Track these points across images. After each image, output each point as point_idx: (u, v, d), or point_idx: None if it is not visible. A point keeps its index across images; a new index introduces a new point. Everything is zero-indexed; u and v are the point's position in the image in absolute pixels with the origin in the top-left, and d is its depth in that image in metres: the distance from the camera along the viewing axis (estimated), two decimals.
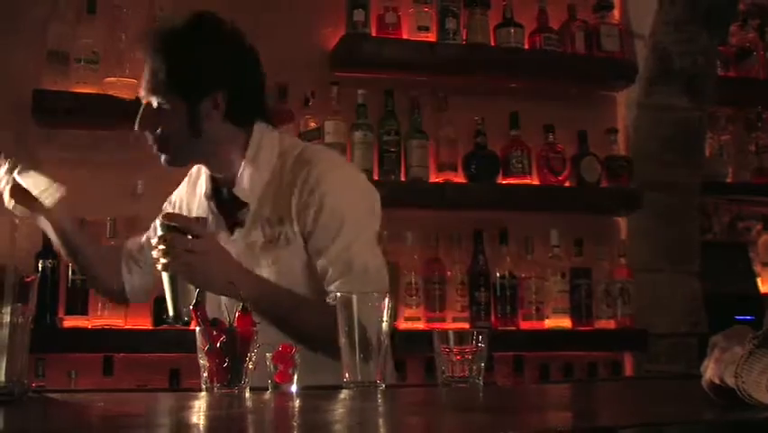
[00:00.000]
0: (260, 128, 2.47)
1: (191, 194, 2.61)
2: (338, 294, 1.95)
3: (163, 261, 2.19)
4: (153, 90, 2.37)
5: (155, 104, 2.38)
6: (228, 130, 2.41)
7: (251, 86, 2.47)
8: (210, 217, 2.46)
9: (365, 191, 2.48)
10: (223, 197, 2.48)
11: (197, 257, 2.17)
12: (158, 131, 2.39)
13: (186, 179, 2.67)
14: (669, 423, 1.25)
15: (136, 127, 2.40)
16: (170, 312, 2.20)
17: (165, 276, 2.21)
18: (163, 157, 2.43)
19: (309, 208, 2.33)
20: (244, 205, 2.41)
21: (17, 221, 1.57)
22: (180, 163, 2.51)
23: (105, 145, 3.46)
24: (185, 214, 2.54)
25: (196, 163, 2.55)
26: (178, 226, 2.21)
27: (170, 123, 2.37)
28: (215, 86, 2.37)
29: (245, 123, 2.44)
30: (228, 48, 2.44)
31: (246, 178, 2.41)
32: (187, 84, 2.36)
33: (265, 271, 2.34)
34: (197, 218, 2.37)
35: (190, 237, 2.20)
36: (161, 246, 2.19)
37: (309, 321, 2.22)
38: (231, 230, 2.43)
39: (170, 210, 2.62)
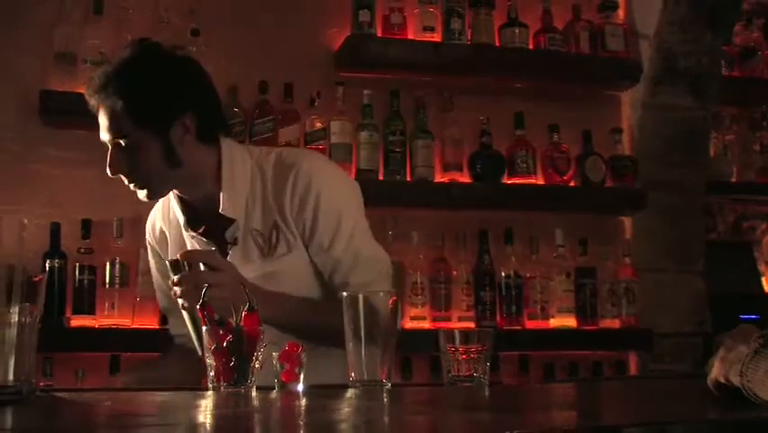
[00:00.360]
0: (226, 143, 2.44)
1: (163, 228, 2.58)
2: (344, 294, 1.96)
3: (185, 301, 2.17)
4: (118, 131, 2.30)
5: (123, 144, 2.31)
6: (201, 151, 2.38)
7: (212, 100, 2.44)
8: (196, 246, 2.43)
9: (351, 184, 2.53)
10: (201, 222, 2.44)
11: (220, 290, 2.09)
12: (134, 170, 2.33)
13: (149, 225, 2.65)
14: (673, 422, 1.25)
15: (110, 173, 2.34)
16: (199, 350, 2.17)
17: (187, 315, 2.20)
18: (143, 193, 2.38)
19: (306, 209, 2.33)
20: (230, 223, 2.38)
21: (25, 221, 1.57)
22: (162, 195, 2.47)
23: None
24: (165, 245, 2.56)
25: (176, 190, 2.44)
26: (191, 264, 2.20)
27: (145, 159, 2.31)
28: (181, 108, 2.32)
29: (214, 139, 2.41)
30: (181, 68, 2.39)
31: (228, 194, 2.37)
32: (152, 114, 2.29)
33: (271, 282, 2.31)
34: (213, 250, 2.34)
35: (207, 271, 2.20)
36: (182, 287, 2.17)
37: (331, 322, 2.09)
38: (224, 252, 2.39)
39: (153, 242, 2.62)
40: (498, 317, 3.70)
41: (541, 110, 3.96)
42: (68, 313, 3.27)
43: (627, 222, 4.06)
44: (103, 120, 2.34)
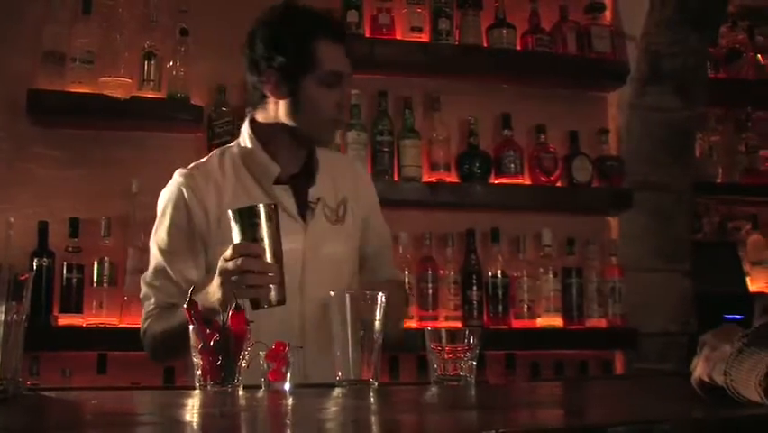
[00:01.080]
0: None
1: (225, 182, 2.53)
2: (331, 293, 1.96)
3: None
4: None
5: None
6: None
7: None
8: (282, 198, 2.48)
9: None
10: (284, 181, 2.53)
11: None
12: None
13: (185, 179, 2.54)
14: (659, 421, 1.25)
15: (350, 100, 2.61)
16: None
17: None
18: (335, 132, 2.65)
19: (370, 197, 2.68)
20: (309, 185, 2.53)
21: (12, 219, 1.56)
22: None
23: (100, 144, 3.46)
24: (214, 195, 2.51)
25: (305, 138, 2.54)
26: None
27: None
28: None
29: None
30: None
31: (321, 158, 2.59)
32: None
33: (338, 248, 2.53)
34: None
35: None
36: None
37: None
38: (302, 210, 2.51)
39: (190, 192, 2.51)
40: (484, 317, 3.70)
41: (528, 111, 3.96)
42: (56, 312, 3.26)
43: (614, 222, 4.07)
44: (344, 55, 2.53)
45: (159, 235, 2.50)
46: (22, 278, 1.54)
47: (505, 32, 3.89)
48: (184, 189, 2.50)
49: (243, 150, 2.56)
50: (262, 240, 2.11)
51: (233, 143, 2.64)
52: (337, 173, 2.62)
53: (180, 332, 2.00)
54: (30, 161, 3.39)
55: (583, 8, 4.07)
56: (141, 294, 2.51)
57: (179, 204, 2.49)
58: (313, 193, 2.52)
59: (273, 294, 2.08)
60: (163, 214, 2.51)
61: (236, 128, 3.46)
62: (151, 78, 3.42)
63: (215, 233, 2.43)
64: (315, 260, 2.46)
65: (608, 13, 4.12)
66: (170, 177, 3.47)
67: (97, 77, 3.36)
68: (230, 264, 2.10)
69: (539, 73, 3.95)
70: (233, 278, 2.08)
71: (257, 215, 2.13)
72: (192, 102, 3.45)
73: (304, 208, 2.50)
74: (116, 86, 3.36)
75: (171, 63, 3.46)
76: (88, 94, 3.33)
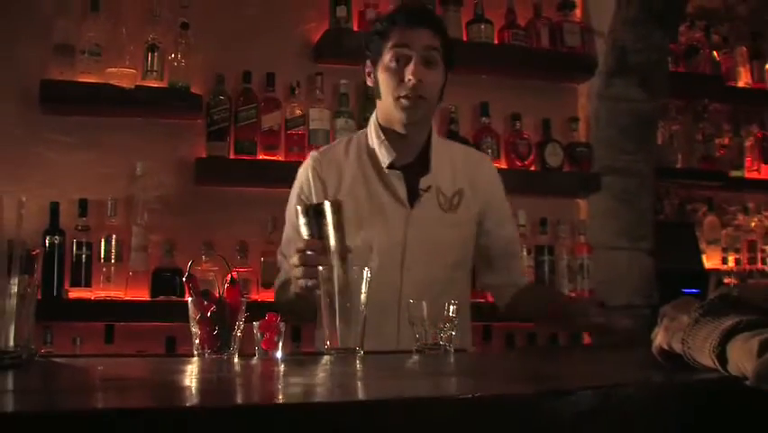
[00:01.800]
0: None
1: (345, 165, 2.56)
2: (320, 268, 1.95)
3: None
4: (433, 50, 2.46)
5: (431, 61, 2.45)
6: None
7: None
8: (394, 183, 2.50)
9: None
10: (398, 168, 2.53)
11: None
12: (427, 84, 2.44)
13: (312, 162, 2.57)
14: (622, 385, 1.25)
15: (414, 77, 2.41)
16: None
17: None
18: (411, 109, 2.45)
19: (490, 193, 2.63)
20: (422, 172, 2.52)
21: (24, 199, 1.55)
22: (418, 119, 2.49)
23: (107, 130, 3.44)
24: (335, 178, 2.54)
25: (410, 123, 2.49)
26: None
27: (438, 80, 2.48)
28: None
29: None
30: None
31: (436, 148, 2.57)
32: (451, 53, 2.53)
33: (445, 235, 2.50)
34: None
35: None
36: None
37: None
38: (412, 196, 2.51)
39: (316, 176, 2.55)
40: None
41: (504, 100, 3.96)
42: (67, 286, 3.25)
43: (583, 204, 4.07)
44: (416, 34, 2.44)
45: (288, 209, 2.57)
46: (34, 253, 1.53)
47: (483, 27, 3.87)
48: (310, 170, 2.56)
49: (367, 137, 2.58)
50: (326, 235, 2.14)
51: (361, 132, 2.66)
52: (460, 165, 2.60)
53: (294, 304, 2.26)
54: (42, 146, 3.37)
55: (556, 6, 4.06)
56: (278, 262, 2.58)
57: (305, 182, 2.56)
58: (424, 181, 2.52)
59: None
60: (294, 191, 2.59)
61: (232, 116, 3.47)
62: (154, 68, 3.40)
63: None
64: (416, 243, 2.47)
65: (578, 11, 4.11)
66: (172, 160, 3.48)
67: (104, 68, 3.34)
68: (294, 259, 2.17)
69: (515, 65, 3.94)
70: (295, 272, 2.16)
71: (321, 212, 2.16)
72: (192, 91, 3.43)
73: (414, 195, 2.51)
74: (122, 76, 3.34)
75: (173, 55, 3.44)
76: (96, 83, 3.31)
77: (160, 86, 3.41)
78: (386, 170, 2.52)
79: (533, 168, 3.92)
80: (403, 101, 2.43)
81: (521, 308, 2.70)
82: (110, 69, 3.34)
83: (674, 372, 1.38)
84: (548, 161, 3.91)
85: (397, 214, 2.48)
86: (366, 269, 1.91)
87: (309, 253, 2.14)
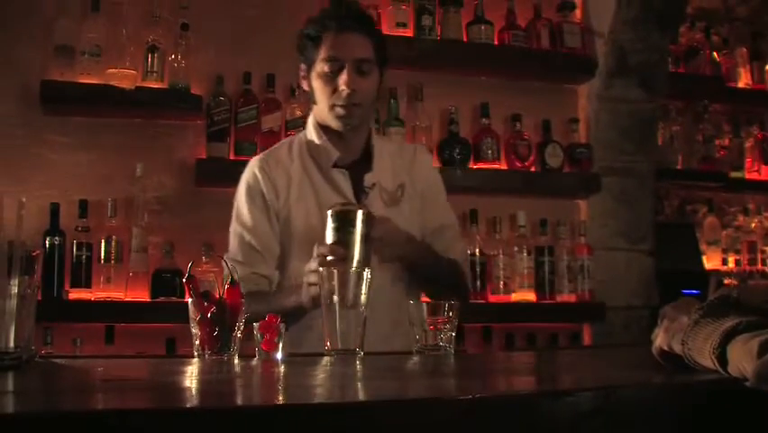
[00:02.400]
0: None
1: (287, 168, 2.57)
2: (320, 268, 1.96)
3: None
4: (364, 57, 2.47)
5: (364, 69, 2.46)
6: None
7: None
8: (339, 182, 2.52)
9: None
10: (342, 167, 2.54)
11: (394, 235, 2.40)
12: (362, 90, 2.47)
13: (259, 163, 2.58)
14: (622, 386, 1.25)
15: (347, 87, 2.42)
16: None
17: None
18: (347, 117, 2.47)
19: (428, 181, 2.65)
20: (366, 170, 2.54)
21: (23, 199, 1.55)
22: (355, 123, 2.52)
23: (107, 131, 3.44)
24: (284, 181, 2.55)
25: (351, 124, 2.51)
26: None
27: (372, 84, 2.49)
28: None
29: None
30: None
31: (377, 144, 2.61)
32: (384, 54, 2.54)
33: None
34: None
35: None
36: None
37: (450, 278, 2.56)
38: (359, 195, 2.52)
39: (265, 178, 2.55)
40: None
41: (504, 101, 3.96)
42: (67, 286, 3.25)
43: (583, 204, 4.07)
44: (348, 42, 2.46)
45: (240, 215, 2.54)
46: (34, 254, 1.53)
47: (483, 27, 3.87)
48: (258, 172, 2.55)
49: (309, 138, 2.59)
50: (353, 244, 2.16)
51: (302, 132, 2.67)
52: (398, 160, 2.63)
53: (289, 313, 2.16)
54: (42, 147, 3.37)
55: (556, 6, 4.06)
56: (225, 273, 2.48)
57: (255, 185, 2.54)
58: (368, 178, 2.53)
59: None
60: (242, 195, 2.56)
61: (233, 117, 3.47)
62: (155, 69, 3.40)
63: (284, 212, 2.51)
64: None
65: (578, 12, 4.11)
66: (172, 161, 3.48)
67: (105, 68, 3.34)
68: (313, 265, 2.17)
69: (515, 66, 3.94)
70: (311, 278, 2.16)
71: (352, 220, 2.18)
72: (192, 92, 3.43)
73: (360, 192, 2.52)
74: (122, 77, 3.34)
75: (173, 56, 3.44)
76: (96, 84, 3.31)
77: (161, 87, 3.41)
78: (331, 170, 2.53)
79: (533, 169, 3.92)
80: (338, 109, 2.46)
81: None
82: (110, 70, 3.34)
83: (674, 373, 1.38)
84: (548, 162, 3.91)
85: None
86: (367, 270, 1.91)
87: (331, 259, 2.14)
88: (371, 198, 2.52)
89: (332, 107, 2.47)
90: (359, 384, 1.40)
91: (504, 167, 3.88)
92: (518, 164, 3.88)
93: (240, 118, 3.48)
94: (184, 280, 1.88)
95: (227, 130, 3.46)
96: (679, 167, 4.45)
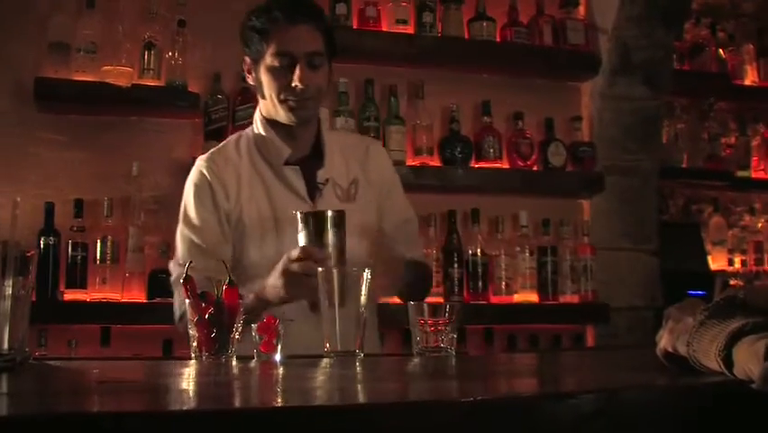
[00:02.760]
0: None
1: (236, 167, 2.52)
2: (320, 269, 1.96)
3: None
4: (316, 49, 2.41)
5: (315, 62, 2.41)
6: None
7: None
8: (291, 179, 2.48)
9: None
10: (294, 162, 2.50)
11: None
12: (315, 83, 2.42)
13: (206, 163, 2.53)
14: (625, 388, 1.25)
15: (300, 83, 2.38)
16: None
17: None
18: (300, 110, 2.43)
19: (383, 175, 2.61)
20: (317, 166, 2.50)
21: (18, 199, 1.55)
22: (307, 118, 2.48)
23: (103, 130, 3.45)
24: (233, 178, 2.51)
25: (300, 118, 2.46)
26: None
27: (323, 77, 2.45)
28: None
29: None
30: None
31: (328, 139, 2.56)
32: (333, 46, 2.48)
33: (348, 225, 2.37)
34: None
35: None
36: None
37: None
38: (312, 191, 2.47)
39: (212, 176, 2.49)
40: (465, 293, 3.70)
41: (506, 99, 3.96)
42: (62, 287, 3.25)
43: (586, 204, 4.07)
44: (299, 36, 2.40)
45: (188, 216, 2.48)
46: (29, 254, 1.53)
47: (485, 24, 3.87)
48: (206, 172, 2.49)
49: (256, 134, 2.55)
50: (328, 245, 2.14)
51: (248, 128, 2.61)
52: (350, 154, 2.58)
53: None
54: (37, 146, 3.38)
55: (558, 3, 4.06)
56: (173, 277, 2.47)
57: (203, 185, 2.49)
58: (321, 174, 2.49)
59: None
60: (190, 197, 2.50)
61: (230, 115, 3.47)
62: (151, 66, 3.41)
63: (235, 212, 2.46)
64: None
65: (581, 8, 4.11)
66: (169, 160, 3.48)
67: (100, 66, 3.34)
68: (294, 266, 2.13)
69: (517, 63, 3.94)
70: (295, 280, 2.12)
71: (324, 220, 2.16)
72: (189, 89, 3.43)
73: (313, 189, 2.48)
74: (118, 74, 3.34)
75: (170, 53, 3.44)
76: (92, 82, 3.31)
77: (157, 84, 3.41)
78: (283, 167, 2.49)
79: (535, 168, 3.92)
80: (290, 103, 2.42)
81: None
82: (106, 67, 3.34)
83: (679, 375, 1.38)
84: (551, 161, 3.91)
85: (298, 209, 2.36)
86: (366, 270, 1.91)
87: (314, 262, 2.10)
88: (325, 195, 2.47)
89: (283, 101, 2.42)
90: (358, 386, 1.40)
91: (506, 166, 3.88)
92: (520, 163, 3.88)
93: (238, 116, 3.48)
94: (181, 280, 1.88)
95: (225, 128, 3.46)
96: (684, 165, 4.45)
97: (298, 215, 2.19)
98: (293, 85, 2.38)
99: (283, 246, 2.31)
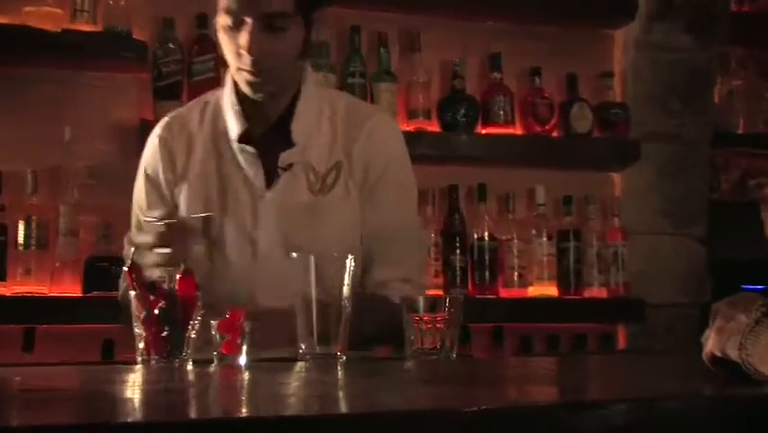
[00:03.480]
0: (307, 63, 2.54)
1: (192, 137, 2.51)
2: (293, 255, 1.96)
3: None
4: (276, 9, 2.30)
5: (274, 24, 2.30)
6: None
7: None
8: (243, 163, 2.44)
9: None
10: (252, 139, 2.45)
11: None
12: (273, 54, 2.34)
13: (161, 131, 2.54)
14: (665, 397, 1.26)
15: (249, 53, 2.29)
16: None
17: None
18: (256, 83, 2.37)
19: (382, 165, 2.47)
20: (286, 146, 2.43)
21: None
22: (268, 91, 2.41)
23: (25, 85, 3.43)
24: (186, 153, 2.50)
25: (263, 93, 2.41)
26: None
27: (290, 45, 2.36)
28: (321, 4, 2.43)
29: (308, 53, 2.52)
30: None
31: (302, 117, 2.45)
32: (311, 2, 2.38)
33: (311, 219, 2.39)
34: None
35: None
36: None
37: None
38: (270, 176, 2.43)
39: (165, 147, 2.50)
40: (469, 285, 3.72)
41: (520, 51, 3.97)
42: None
43: (618, 178, 4.09)
44: None
45: (136, 189, 2.54)
46: None
47: None
48: (157, 140, 2.51)
49: (222, 99, 2.52)
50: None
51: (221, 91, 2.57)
52: (342, 129, 2.48)
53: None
54: None
55: None
56: (124, 252, 2.44)
57: (152, 156, 2.51)
58: (285, 157, 2.43)
59: None
60: (141, 170, 2.54)
61: (185, 68, 3.46)
62: (85, 8, 3.39)
63: (179, 189, 2.46)
64: (272, 236, 2.39)
65: None
66: (108, 123, 3.47)
67: (21, 6, 3.33)
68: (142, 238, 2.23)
69: (533, 7, 3.94)
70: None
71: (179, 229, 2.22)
72: (134, 37, 3.42)
73: (272, 175, 2.44)
74: (44, 16, 3.32)
75: None
76: (11, 25, 3.29)
77: (94, 29, 3.40)
78: (241, 146, 2.43)
79: (555, 134, 3.94)
80: (245, 75, 2.35)
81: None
82: (28, 8, 3.33)
83: (728, 383, 1.39)
84: (574, 126, 3.92)
85: (248, 199, 2.40)
86: (350, 257, 1.92)
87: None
88: (288, 182, 2.41)
89: (239, 71, 2.37)
90: (340, 393, 1.42)
91: (519, 132, 3.90)
92: (537, 128, 3.89)
93: (194, 70, 3.47)
94: (124, 269, 1.89)
95: (179, 85, 3.45)
96: (740, 131, 4.45)
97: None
98: (240, 53, 2.32)
99: (225, 238, 2.37)
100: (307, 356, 1.88)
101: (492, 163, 3.83)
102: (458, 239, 3.71)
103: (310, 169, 2.43)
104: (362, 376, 1.73)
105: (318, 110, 2.49)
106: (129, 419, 1.09)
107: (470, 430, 1.08)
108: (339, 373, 1.73)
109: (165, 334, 1.80)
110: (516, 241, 3.77)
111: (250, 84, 2.37)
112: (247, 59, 2.31)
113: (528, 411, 1.16)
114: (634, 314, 3.90)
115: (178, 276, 1.86)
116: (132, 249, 1.99)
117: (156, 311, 1.80)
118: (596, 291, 3.86)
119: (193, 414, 1.18)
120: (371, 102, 3.61)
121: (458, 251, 3.70)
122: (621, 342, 3.98)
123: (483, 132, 3.83)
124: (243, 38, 2.29)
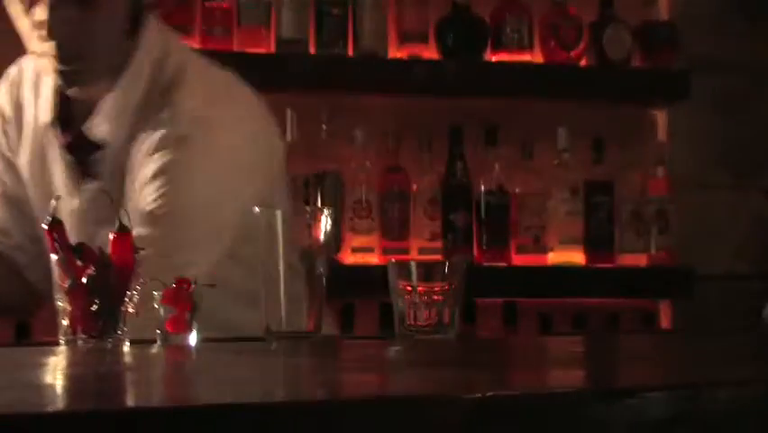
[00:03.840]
0: (151, 26, 2.42)
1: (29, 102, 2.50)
2: (256, 208, 1.97)
3: None
4: None
5: None
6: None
7: None
8: (57, 162, 2.42)
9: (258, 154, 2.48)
10: (72, 131, 2.42)
11: None
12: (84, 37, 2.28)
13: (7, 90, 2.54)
14: (717, 384, 1.27)
15: (50, 37, 2.24)
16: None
17: None
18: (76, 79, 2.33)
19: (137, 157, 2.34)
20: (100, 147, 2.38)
21: None
22: (83, 83, 2.35)
23: None
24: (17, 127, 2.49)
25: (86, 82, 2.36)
26: None
27: (109, 23, 2.32)
28: None
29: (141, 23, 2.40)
30: None
31: (109, 105, 2.36)
32: None
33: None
34: None
35: None
36: None
37: None
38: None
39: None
40: (474, 250, 3.74)
41: None
42: None
43: (662, 117, 4.09)
44: None
45: None
46: None
47: None
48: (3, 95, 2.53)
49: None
50: None
51: None
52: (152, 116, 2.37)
53: None
54: None
55: None
56: None
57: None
58: (93, 162, 2.40)
59: None
60: None
61: None
62: None
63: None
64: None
65: None
66: None
67: None
68: None
69: None
70: None
71: None
72: None
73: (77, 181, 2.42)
74: None
75: None
76: None
77: None
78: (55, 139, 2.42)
79: (583, 62, 3.94)
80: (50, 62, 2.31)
81: None
82: None
83: None
84: (608, 52, 3.92)
85: (64, 206, 2.31)
86: (327, 209, 1.93)
87: None
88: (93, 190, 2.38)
89: (42, 56, 2.32)
90: (311, 379, 1.42)
91: (539, 59, 3.90)
92: (561, 55, 3.90)
93: None
94: (44, 225, 1.89)
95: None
96: None
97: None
98: (38, 34, 2.28)
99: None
100: (272, 335, 1.89)
101: (504, 98, 3.84)
102: (460, 193, 3.72)
103: (116, 173, 2.38)
104: (339, 359, 1.74)
105: (139, 91, 2.38)
106: (48, 409, 1.10)
107: (471, 421, 1.08)
108: (312, 355, 1.74)
109: (95, 307, 1.80)
110: (532, 195, 3.78)
111: (58, 74, 2.32)
112: (46, 45, 2.27)
113: (542, 400, 1.17)
114: (681, 287, 3.91)
115: (111, 235, 1.84)
116: (53, 203, 1.98)
117: (84, 280, 1.80)
118: (633, 259, 3.88)
119: (131, 402, 1.18)
120: (353, 26, 3.61)
121: (460, 208, 3.70)
122: (665, 321, 4.00)
123: (493, 59, 3.84)
124: (42, 15, 2.24)
